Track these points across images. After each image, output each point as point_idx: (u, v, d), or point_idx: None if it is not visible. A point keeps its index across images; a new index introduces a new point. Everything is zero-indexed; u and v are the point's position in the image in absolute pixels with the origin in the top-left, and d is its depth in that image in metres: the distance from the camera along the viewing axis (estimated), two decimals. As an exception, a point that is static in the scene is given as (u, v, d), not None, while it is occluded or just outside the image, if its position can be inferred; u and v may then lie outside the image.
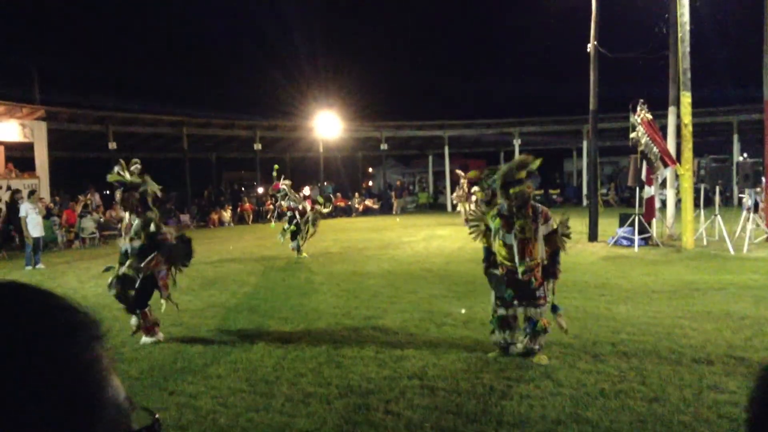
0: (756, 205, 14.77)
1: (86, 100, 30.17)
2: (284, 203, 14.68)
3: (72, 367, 0.61)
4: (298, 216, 14.39)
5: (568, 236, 6.16)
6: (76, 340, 0.63)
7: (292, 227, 14.42)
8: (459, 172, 23.00)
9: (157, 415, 0.73)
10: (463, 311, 7.90)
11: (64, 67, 42.73)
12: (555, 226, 6.07)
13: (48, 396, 0.57)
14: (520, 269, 5.90)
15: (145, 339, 7.09)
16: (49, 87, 29.72)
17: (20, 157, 23.48)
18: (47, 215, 18.54)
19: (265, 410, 4.91)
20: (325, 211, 30.15)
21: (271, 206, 15.74)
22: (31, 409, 0.56)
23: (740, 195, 15.13)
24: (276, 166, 16.22)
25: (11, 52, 40.49)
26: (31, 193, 15.83)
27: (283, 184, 14.98)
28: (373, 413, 4.77)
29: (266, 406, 4.99)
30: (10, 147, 22.61)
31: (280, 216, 14.86)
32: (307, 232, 14.54)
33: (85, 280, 12.26)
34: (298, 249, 14.47)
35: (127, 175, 7.27)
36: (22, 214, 14.70)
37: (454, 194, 23.56)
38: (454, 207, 25.18)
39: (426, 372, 5.68)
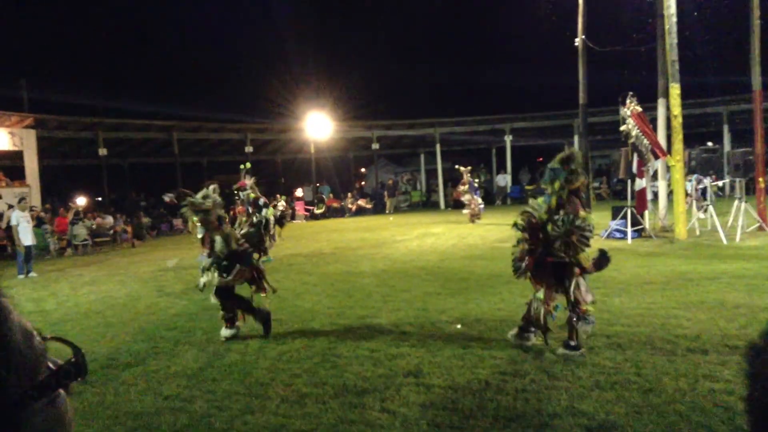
0: (704, 191, 14.79)
1: (75, 101, 30.04)
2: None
3: None
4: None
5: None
6: None
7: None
8: (461, 168, 22.66)
9: (80, 349, 0.70)
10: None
11: (53, 68, 42.45)
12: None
13: None
14: None
15: (224, 331, 7.28)
16: (38, 89, 29.66)
17: (10, 166, 23.38)
18: (38, 223, 18.47)
19: (260, 412, 4.89)
20: (318, 211, 30.32)
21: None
22: None
23: (688, 181, 15.21)
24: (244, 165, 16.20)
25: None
26: (21, 200, 15.73)
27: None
28: (369, 412, 4.75)
29: (261, 408, 4.97)
30: (-1, 156, 22.55)
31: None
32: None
33: (78, 287, 12.20)
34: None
35: (207, 202, 7.22)
36: (13, 222, 14.62)
37: (459, 188, 23.07)
38: (455, 204, 24.51)
39: (421, 369, 5.67)
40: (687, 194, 14.51)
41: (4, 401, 0.56)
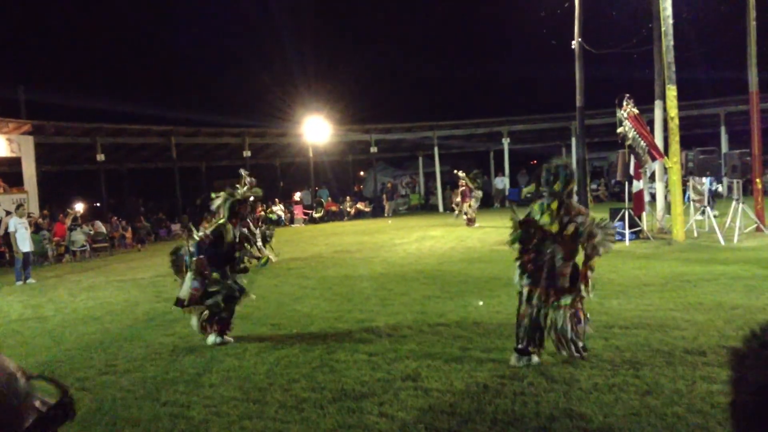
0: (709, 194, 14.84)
1: (73, 105, 30.08)
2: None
3: None
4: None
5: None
6: None
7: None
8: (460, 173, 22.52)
9: (68, 389, 0.66)
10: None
11: (50, 74, 42.41)
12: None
13: None
14: None
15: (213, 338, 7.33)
16: (35, 94, 29.65)
17: (8, 172, 23.37)
18: (36, 229, 18.44)
19: (258, 417, 4.88)
20: (317, 215, 30.29)
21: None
22: None
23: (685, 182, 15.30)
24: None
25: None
26: (19, 207, 15.72)
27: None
28: (367, 416, 4.75)
29: (259, 414, 4.96)
30: (-3, 162, 22.52)
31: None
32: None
33: (75, 293, 12.19)
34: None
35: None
36: (11, 229, 14.61)
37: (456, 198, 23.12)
38: (454, 210, 24.45)
39: (420, 373, 5.67)
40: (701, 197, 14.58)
41: None
